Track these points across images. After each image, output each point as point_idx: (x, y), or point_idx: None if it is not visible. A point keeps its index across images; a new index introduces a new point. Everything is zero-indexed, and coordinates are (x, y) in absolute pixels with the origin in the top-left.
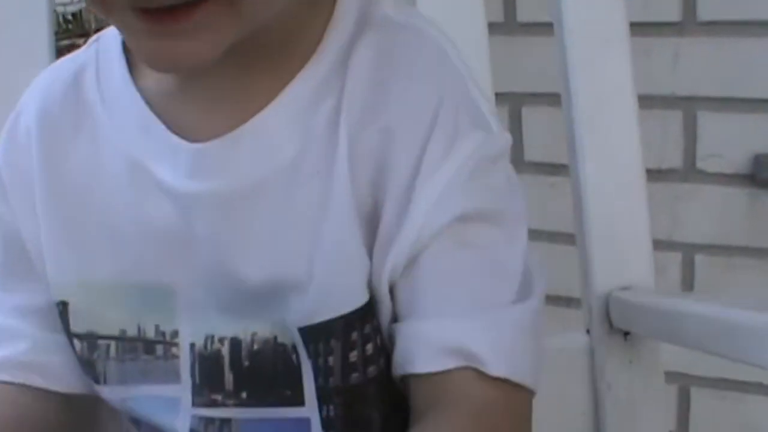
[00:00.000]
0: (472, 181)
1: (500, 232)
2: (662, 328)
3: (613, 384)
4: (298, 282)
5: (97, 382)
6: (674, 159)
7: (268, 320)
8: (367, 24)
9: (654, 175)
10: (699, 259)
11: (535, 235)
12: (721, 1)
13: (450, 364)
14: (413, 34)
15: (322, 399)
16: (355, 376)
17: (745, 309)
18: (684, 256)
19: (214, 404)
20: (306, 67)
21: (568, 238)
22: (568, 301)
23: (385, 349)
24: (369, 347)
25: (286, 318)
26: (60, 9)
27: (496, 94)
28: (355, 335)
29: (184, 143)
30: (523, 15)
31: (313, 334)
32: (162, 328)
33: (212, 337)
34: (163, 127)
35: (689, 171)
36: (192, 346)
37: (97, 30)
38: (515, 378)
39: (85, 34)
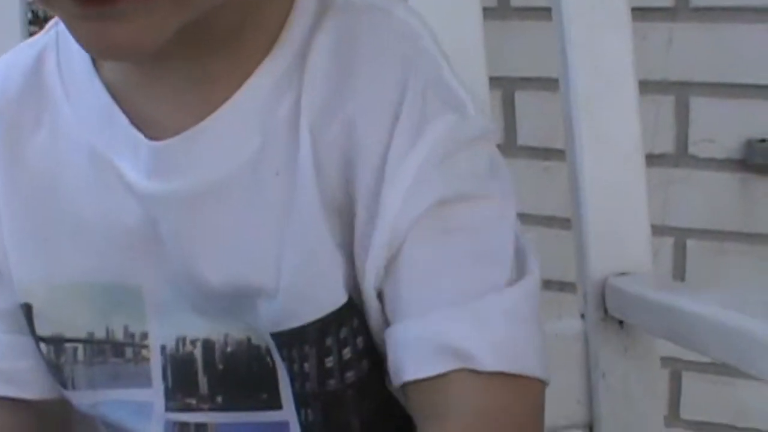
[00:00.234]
0: (447, 166)
1: (485, 213)
2: (657, 322)
3: (608, 372)
4: (265, 287)
5: (65, 387)
6: (666, 144)
7: (240, 321)
8: (329, 8)
9: (646, 159)
10: (691, 244)
11: (528, 219)
12: None
13: (440, 366)
14: (378, 16)
15: (300, 402)
16: (332, 382)
17: (744, 313)
18: (676, 241)
19: (188, 408)
20: (266, 59)
21: (562, 223)
22: (562, 286)
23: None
24: (346, 351)
25: (257, 322)
26: None
27: (490, 79)
28: (329, 341)
29: (144, 139)
30: (517, 0)
31: (285, 339)
32: (131, 330)
33: (184, 338)
34: (124, 118)
35: (681, 156)
36: (163, 348)
37: None
38: (514, 370)
39: None
